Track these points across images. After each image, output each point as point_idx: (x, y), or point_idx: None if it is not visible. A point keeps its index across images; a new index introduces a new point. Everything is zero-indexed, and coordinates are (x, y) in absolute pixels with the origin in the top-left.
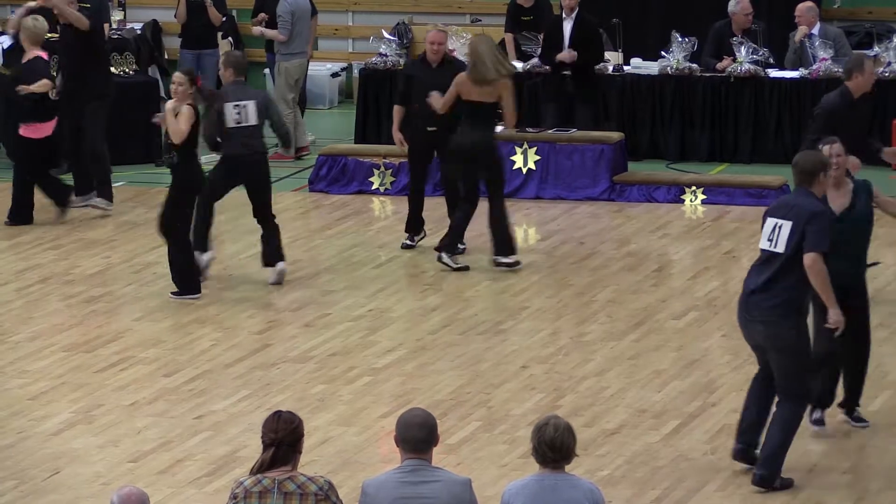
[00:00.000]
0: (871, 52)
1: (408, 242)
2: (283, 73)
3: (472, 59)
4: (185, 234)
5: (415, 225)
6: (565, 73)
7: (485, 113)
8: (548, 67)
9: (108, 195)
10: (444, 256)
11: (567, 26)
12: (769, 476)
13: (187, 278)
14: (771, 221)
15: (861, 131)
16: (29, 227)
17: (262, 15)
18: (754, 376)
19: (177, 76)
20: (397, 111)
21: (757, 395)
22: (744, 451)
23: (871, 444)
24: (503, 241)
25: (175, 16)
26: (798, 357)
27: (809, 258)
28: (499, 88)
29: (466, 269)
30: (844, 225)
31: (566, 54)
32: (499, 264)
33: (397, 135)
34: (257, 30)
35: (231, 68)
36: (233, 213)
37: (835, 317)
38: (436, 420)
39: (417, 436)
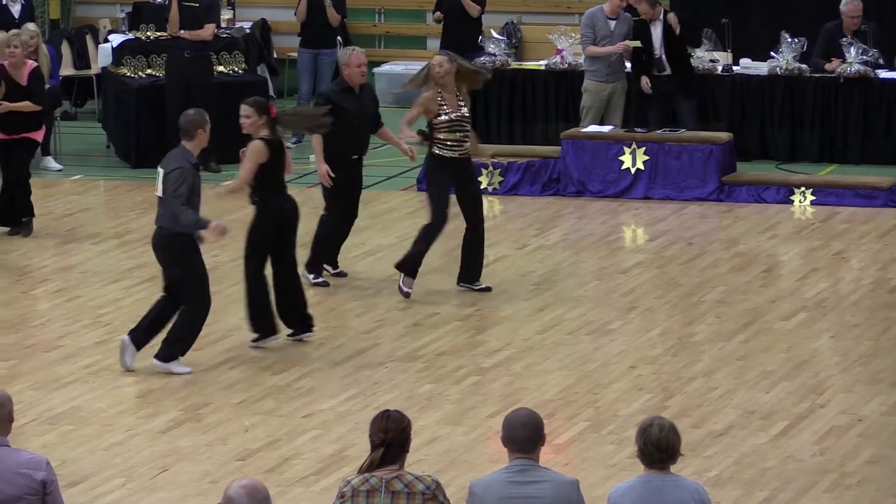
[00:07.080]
0: None
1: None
2: None
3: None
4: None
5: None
6: (660, 74)
7: None
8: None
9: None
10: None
11: (656, 30)
12: None
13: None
14: None
15: None
16: (137, 226)
17: (438, 14)
18: None
19: (242, 108)
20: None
21: None
22: None
23: None
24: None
25: (295, 13)
26: None
27: None
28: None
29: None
30: None
31: (662, 58)
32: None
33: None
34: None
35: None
36: None
37: None
38: (541, 419)
39: (522, 435)
